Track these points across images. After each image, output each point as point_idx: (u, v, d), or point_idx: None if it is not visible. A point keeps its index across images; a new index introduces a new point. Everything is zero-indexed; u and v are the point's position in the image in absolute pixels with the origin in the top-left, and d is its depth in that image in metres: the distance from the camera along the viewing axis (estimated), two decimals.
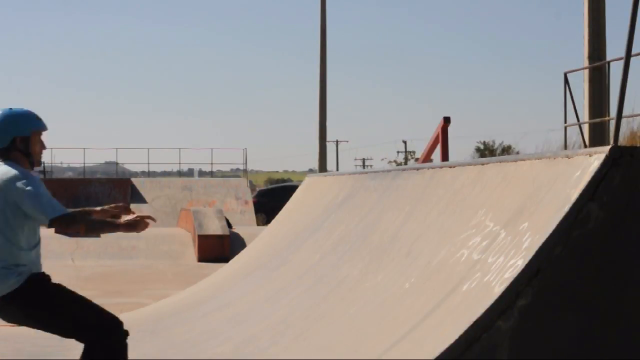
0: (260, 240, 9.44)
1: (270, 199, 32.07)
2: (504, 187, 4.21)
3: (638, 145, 6.85)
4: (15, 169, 3.97)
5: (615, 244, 3.51)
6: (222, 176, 42.41)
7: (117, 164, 39.67)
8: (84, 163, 37.71)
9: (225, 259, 13.63)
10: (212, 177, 38.12)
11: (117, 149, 37.51)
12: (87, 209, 4.26)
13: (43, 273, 4.04)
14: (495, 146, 55.53)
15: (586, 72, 13.98)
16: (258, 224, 27.90)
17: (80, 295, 4.00)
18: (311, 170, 71.80)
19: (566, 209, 3.48)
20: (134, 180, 31.56)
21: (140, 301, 10.42)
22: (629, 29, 4.14)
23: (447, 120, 12.85)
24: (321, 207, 7.71)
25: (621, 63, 4.33)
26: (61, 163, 60.27)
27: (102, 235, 20.33)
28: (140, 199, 29.69)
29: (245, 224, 26.67)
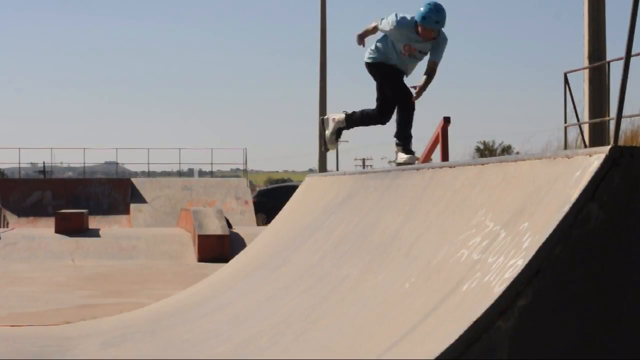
0: (260, 240, 9.43)
1: (270, 199, 32.08)
2: (504, 187, 4.21)
3: (638, 145, 6.85)
4: None
5: (615, 244, 3.51)
6: (222, 176, 42.41)
7: (117, 164, 39.70)
8: (84, 163, 37.71)
9: (225, 259, 13.63)
10: (212, 177, 38.13)
11: (117, 149, 37.54)
12: None
13: None
14: (495, 146, 55.60)
15: (586, 72, 13.98)
16: (258, 224, 27.92)
17: None
18: (311, 170, 71.68)
19: (566, 209, 3.47)
20: (134, 180, 31.57)
21: (140, 301, 10.40)
22: (629, 29, 4.13)
23: (447, 120, 12.82)
24: (321, 207, 7.71)
25: (621, 63, 4.32)
26: (61, 163, 60.25)
27: (101, 235, 20.33)
28: (140, 199, 29.71)
29: (245, 224, 26.69)
